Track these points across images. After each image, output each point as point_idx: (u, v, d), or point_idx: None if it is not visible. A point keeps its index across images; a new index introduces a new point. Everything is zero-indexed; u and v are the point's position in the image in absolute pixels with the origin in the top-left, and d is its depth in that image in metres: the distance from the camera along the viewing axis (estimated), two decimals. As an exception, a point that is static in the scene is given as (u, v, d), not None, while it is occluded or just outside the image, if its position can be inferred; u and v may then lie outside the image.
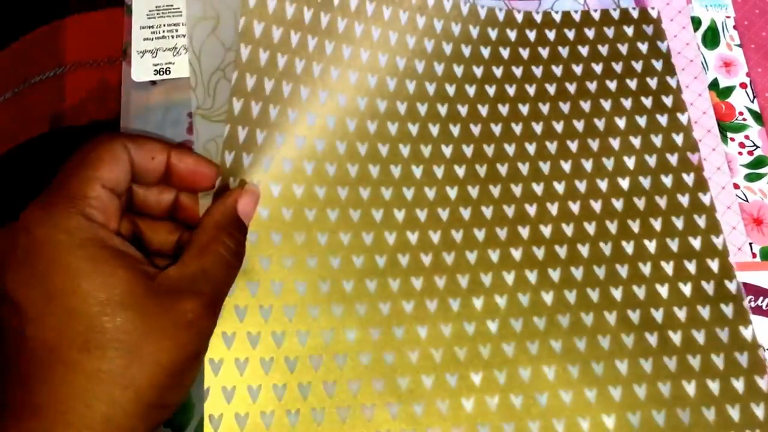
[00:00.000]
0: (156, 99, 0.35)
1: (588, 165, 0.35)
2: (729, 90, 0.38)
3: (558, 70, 0.37)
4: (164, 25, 0.36)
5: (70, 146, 0.27)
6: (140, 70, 0.35)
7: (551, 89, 0.36)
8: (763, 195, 0.36)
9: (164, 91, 0.35)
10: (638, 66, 0.37)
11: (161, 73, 0.35)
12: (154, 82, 0.35)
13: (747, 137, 0.37)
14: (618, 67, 0.37)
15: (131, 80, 0.35)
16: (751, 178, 0.36)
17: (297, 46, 0.33)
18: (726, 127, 0.37)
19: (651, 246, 0.33)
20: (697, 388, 0.30)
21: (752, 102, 0.38)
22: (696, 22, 0.39)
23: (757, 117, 0.37)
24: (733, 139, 0.37)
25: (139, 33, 0.36)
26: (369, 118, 0.34)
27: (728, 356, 0.31)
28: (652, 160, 0.35)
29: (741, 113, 0.37)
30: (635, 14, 0.39)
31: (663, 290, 0.32)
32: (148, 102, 0.35)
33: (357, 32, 0.35)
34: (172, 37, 0.36)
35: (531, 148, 0.35)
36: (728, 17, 0.40)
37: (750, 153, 0.36)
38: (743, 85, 0.38)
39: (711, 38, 0.39)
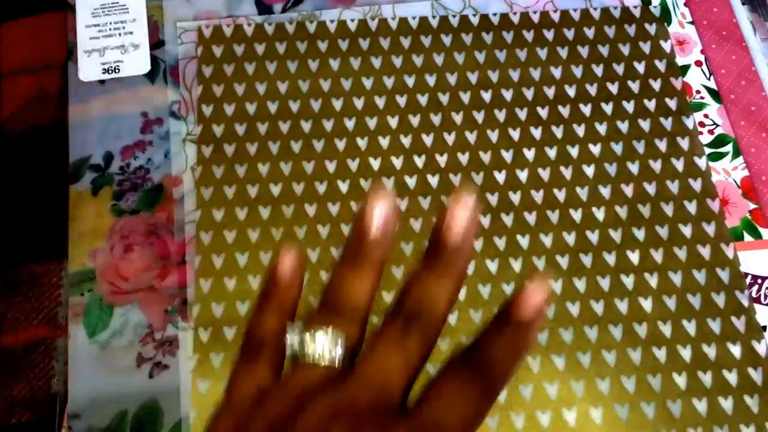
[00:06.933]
0: (102, 102, 0.34)
1: (590, 171, 0.33)
2: (684, 69, 0.36)
3: (557, 72, 0.35)
4: (111, 23, 0.35)
5: (7, 155, 0.25)
6: (88, 69, 0.34)
7: (550, 93, 0.35)
8: (727, 174, 0.34)
9: (111, 93, 0.34)
10: (640, 67, 0.36)
11: (110, 71, 0.34)
12: (102, 82, 0.34)
13: (706, 116, 0.35)
14: (619, 69, 0.36)
15: (78, 80, 0.34)
16: (713, 157, 0.34)
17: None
18: None
19: (657, 255, 0.31)
20: (709, 405, 0.29)
21: (709, 80, 0.36)
22: (647, 3, 0.38)
23: (715, 95, 0.35)
24: None
25: (85, 32, 0.35)
26: (359, 136, 0.33)
27: (741, 372, 0.29)
28: (656, 166, 0.33)
29: (698, 92, 0.36)
30: (637, 12, 0.37)
31: (671, 302, 0.31)
32: (94, 104, 0.34)
33: (334, 67, 0.35)
34: (120, 34, 0.35)
35: (530, 154, 0.33)
36: None
37: (710, 132, 0.35)
38: (698, 63, 0.36)
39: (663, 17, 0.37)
